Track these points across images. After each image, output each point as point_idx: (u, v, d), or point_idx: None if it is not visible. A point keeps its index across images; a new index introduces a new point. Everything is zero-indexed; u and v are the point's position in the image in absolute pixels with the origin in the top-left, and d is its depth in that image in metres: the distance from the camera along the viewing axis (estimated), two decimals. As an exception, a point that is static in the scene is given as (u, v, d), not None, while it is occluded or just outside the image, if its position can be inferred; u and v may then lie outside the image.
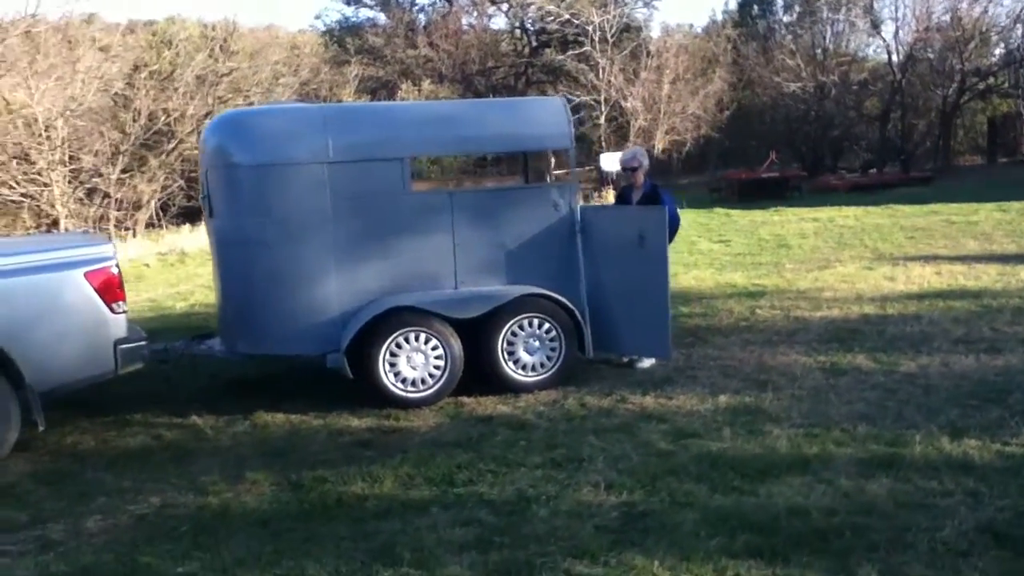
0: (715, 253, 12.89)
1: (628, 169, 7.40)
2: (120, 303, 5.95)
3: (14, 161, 19.45)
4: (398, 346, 6.28)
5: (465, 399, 6.40)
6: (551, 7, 25.62)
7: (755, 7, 30.57)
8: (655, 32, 29.89)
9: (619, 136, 24.42)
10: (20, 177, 19.10)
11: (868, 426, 5.29)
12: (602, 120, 23.92)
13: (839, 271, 10.61)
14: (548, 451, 5.17)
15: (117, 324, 5.92)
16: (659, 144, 24.62)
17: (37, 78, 19.25)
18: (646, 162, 7.41)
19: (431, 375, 6.35)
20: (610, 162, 23.45)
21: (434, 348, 6.34)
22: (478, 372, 6.47)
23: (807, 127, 27.75)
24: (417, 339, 6.30)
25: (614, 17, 24.53)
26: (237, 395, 6.95)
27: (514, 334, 6.49)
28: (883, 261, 11.20)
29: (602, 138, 23.92)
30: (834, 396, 5.94)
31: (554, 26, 26.82)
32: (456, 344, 6.36)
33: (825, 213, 16.95)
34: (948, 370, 6.42)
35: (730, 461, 4.81)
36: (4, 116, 18.43)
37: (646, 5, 30.60)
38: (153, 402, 6.76)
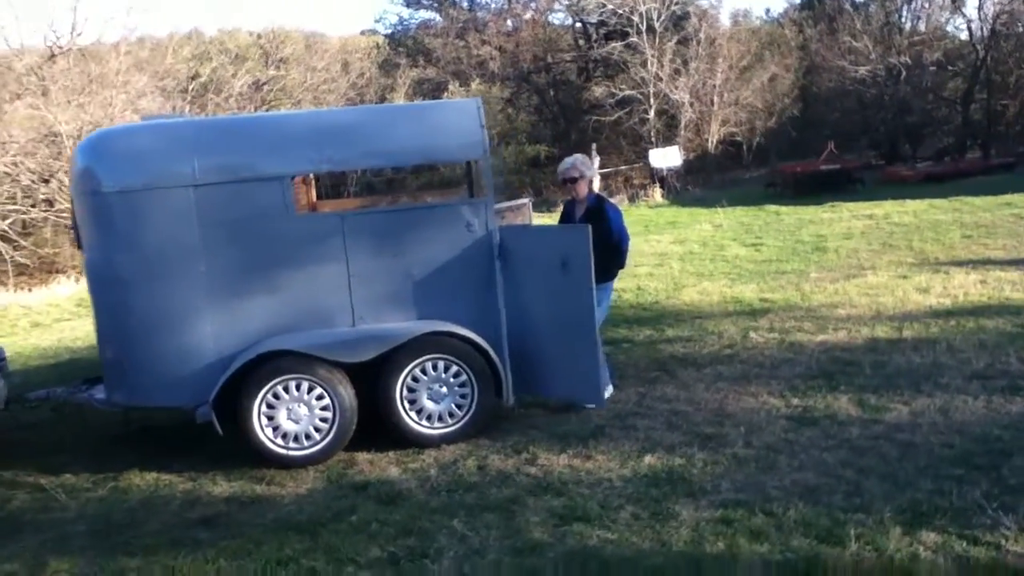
0: (739, 260, 11.59)
1: (567, 180, 6.29)
2: (-41, 352, 5.24)
3: (50, 182, 19.37)
4: (276, 396, 5.40)
5: (363, 455, 5.48)
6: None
7: (824, -14, 28.58)
8: (725, 19, 28.35)
9: (669, 130, 23.04)
10: (45, 197, 18.91)
11: (807, 506, 4.12)
12: (651, 114, 22.58)
13: (867, 281, 9.23)
14: (396, 540, 4.19)
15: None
16: (713, 137, 23.11)
17: (66, 95, 19.23)
18: (588, 172, 6.27)
19: (317, 429, 5.45)
20: (659, 159, 22.20)
21: (319, 398, 5.43)
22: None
23: (882, 113, 25.70)
24: (298, 388, 5.41)
25: (666, 5, 23.12)
26: (133, 446, 6.18)
27: (415, 379, 5.53)
28: (924, 267, 9.75)
29: (651, 133, 22.60)
30: (785, 458, 4.76)
31: (603, 17, 25.55)
32: (346, 392, 5.43)
33: (884, 208, 15.35)
34: (945, 419, 5.15)
35: (603, 564, 3.75)
36: (32, 136, 18.36)
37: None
38: (37, 455, 6.06)
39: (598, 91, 23.48)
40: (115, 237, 5.52)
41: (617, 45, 23.78)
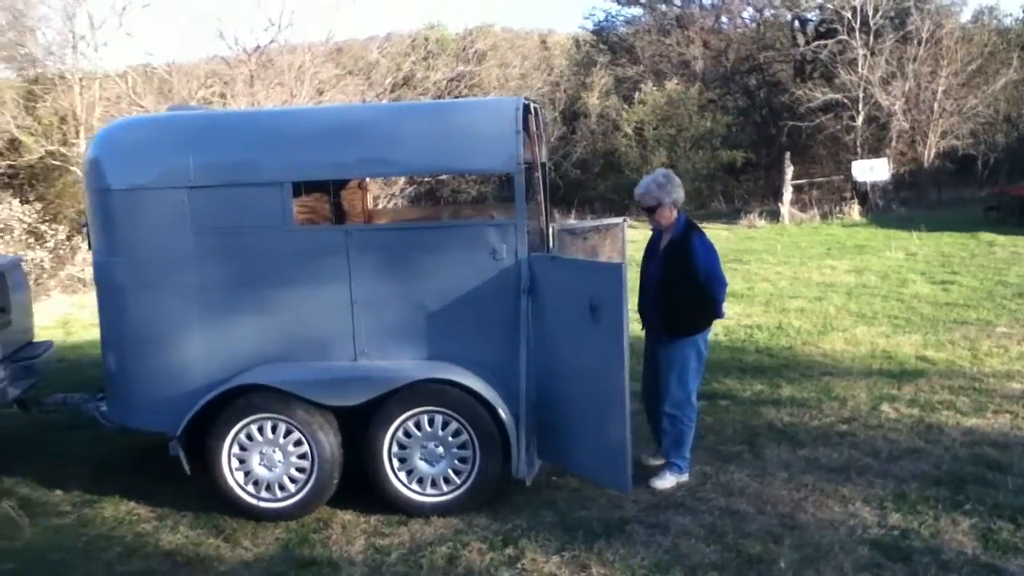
0: (918, 300, 9.71)
1: (646, 209, 5.03)
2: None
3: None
4: (249, 438, 4.66)
5: (344, 515, 4.66)
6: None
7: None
8: (966, 16, 25.09)
9: (876, 140, 20.55)
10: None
11: None
12: (858, 121, 20.21)
13: (1068, 345, 7.29)
14: (281, 658, 3.30)
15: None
16: (930, 150, 20.37)
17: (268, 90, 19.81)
18: (668, 197, 4.94)
19: (292, 479, 4.66)
20: (863, 171, 19.86)
21: (297, 444, 4.64)
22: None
23: None
24: (274, 431, 4.64)
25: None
26: (136, 467, 5.67)
27: (407, 434, 4.60)
28: None
29: (857, 142, 20.24)
30: (837, 615, 3.42)
31: (818, 13, 23.30)
32: (328, 440, 4.60)
33: None
34: (1101, 584, 3.57)
35: None
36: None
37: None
38: (42, 463, 5.70)
39: (799, 94, 21.36)
40: (114, 239, 4.99)
41: (827, 43, 21.51)
